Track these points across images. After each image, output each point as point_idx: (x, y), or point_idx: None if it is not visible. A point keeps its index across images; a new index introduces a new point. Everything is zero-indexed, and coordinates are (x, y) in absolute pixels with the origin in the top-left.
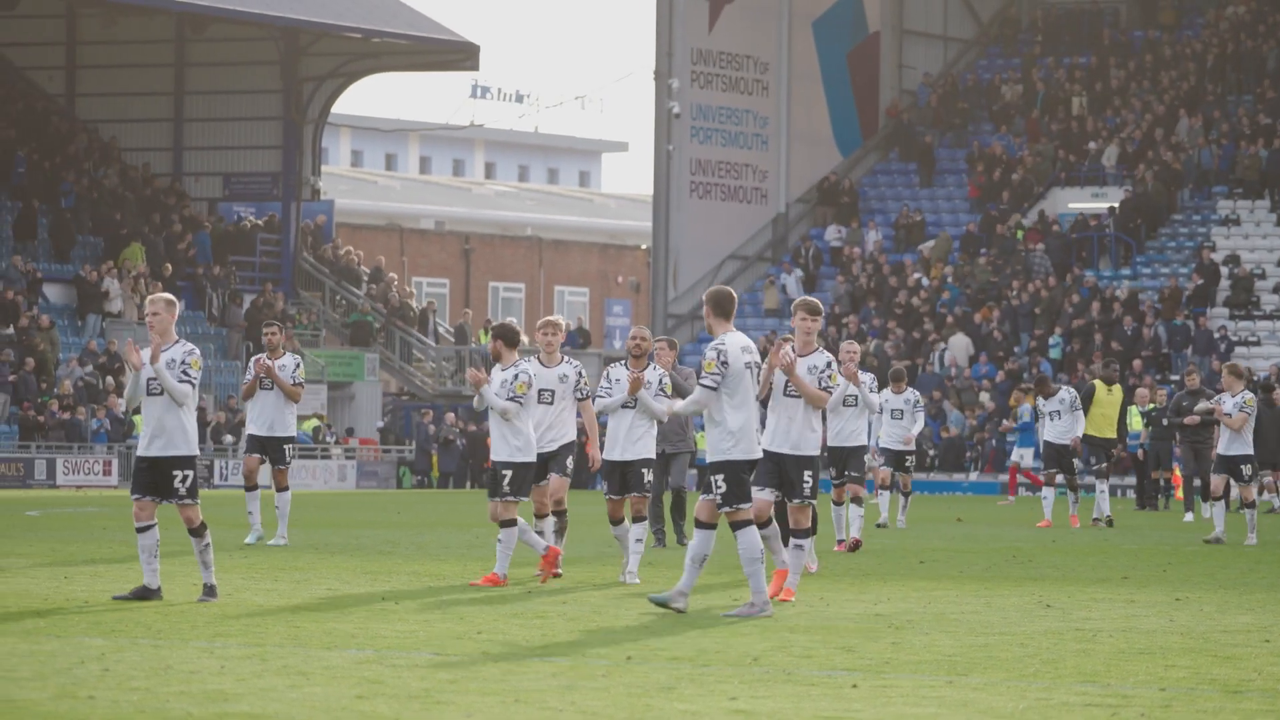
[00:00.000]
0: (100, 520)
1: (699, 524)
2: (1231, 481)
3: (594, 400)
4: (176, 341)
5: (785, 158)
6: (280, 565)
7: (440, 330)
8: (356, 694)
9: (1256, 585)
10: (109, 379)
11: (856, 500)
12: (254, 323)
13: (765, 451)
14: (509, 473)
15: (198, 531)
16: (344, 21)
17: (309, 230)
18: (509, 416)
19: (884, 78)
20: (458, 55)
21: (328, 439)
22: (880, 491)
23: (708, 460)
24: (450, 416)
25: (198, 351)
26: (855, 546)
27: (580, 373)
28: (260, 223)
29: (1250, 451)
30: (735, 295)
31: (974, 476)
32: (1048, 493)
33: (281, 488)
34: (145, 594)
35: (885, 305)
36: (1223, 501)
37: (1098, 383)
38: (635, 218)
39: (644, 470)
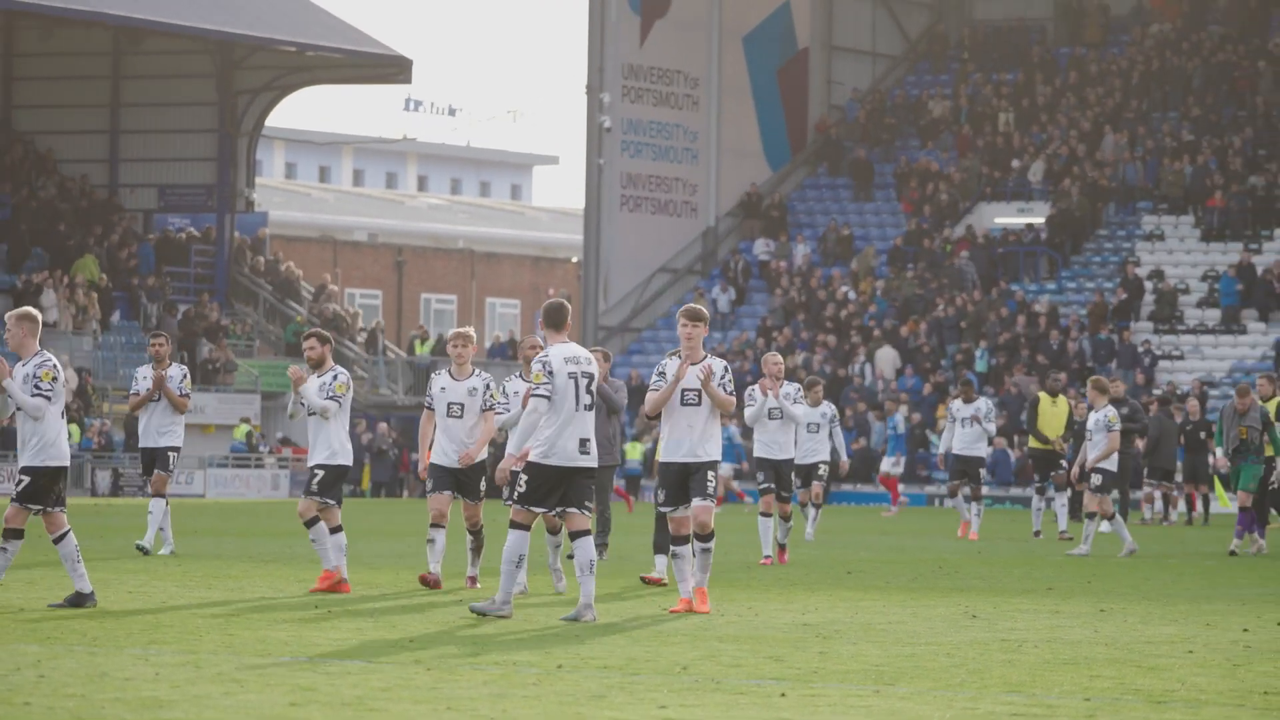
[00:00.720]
0: (33, 528)
1: (514, 525)
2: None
3: (495, 416)
4: (35, 354)
5: (715, 172)
6: (214, 574)
7: (382, 343)
8: (290, 701)
9: (1180, 597)
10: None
11: (784, 517)
12: (188, 333)
13: (664, 463)
14: (320, 473)
15: (60, 539)
16: (278, 35)
17: (248, 244)
18: (326, 416)
19: (813, 93)
20: (391, 69)
21: (261, 448)
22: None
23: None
24: (383, 427)
25: (52, 362)
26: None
27: (489, 385)
28: (198, 234)
29: (1104, 465)
30: (568, 307)
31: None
32: (958, 502)
33: (159, 494)
34: (80, 600)
35: (814, 318)
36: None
37: (1042, 395)
38: (566, 231)
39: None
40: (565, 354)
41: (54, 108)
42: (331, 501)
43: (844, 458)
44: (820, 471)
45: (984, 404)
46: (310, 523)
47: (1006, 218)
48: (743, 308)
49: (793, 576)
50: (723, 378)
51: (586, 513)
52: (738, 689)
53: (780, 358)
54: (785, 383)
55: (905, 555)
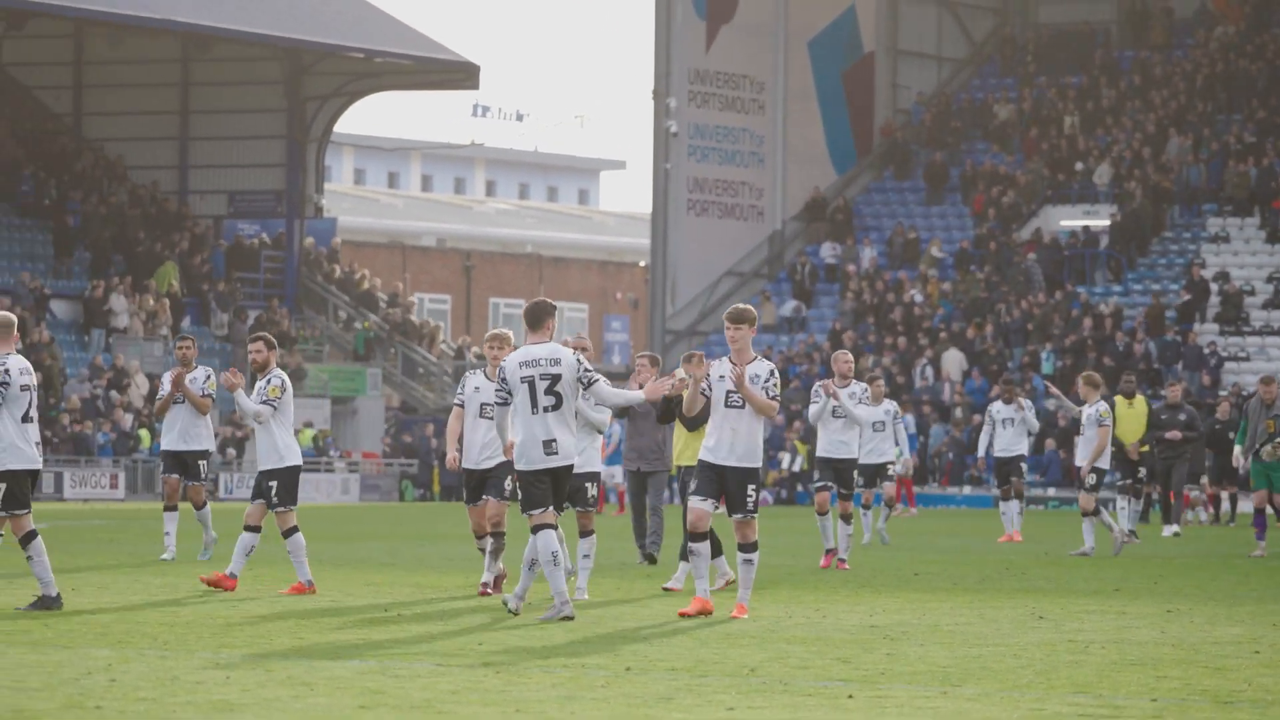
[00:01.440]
0: (106, 533)
1: (535, 529)
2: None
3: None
4: (7, 355)
5: (781, 176)
6: (285, 577)
7: (444, 347)
8: (359, 704)
9: (1246, 598)
10: (114, 393)
11: (845, 518)
12: None
13: (705, 463)
14: (275, 483)
15: (25, 540)
16: (347, 42)
17: (323, 255)
18: (260, 420)
19: (878, 96)
20: (458, 75)
21: (331, 453)
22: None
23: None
24: None
25: (8, 363)
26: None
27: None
28: (269, 240)
29: (1094, 462)
30: (547, 305)
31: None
32: (1006, 506)
33: (199, 505)
34: (47, 604)
35: (882, 321)
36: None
37: (1118, 398)
38: (633, 235)
39: (587, 485)
40: (522, 357)
41: (123, 115)
42: (293, 506)
43: (907, 455)
44: (889, 471)
45: (1025, 403)
46: (288, 533)
47: (1072, 220)
48: (810, 311)
49: (860, 578)
50: (766, 381)
51: (573, 510)
52: (805, 690)
53: (850, 356)
54: (852, 382)
55: (972, 557)
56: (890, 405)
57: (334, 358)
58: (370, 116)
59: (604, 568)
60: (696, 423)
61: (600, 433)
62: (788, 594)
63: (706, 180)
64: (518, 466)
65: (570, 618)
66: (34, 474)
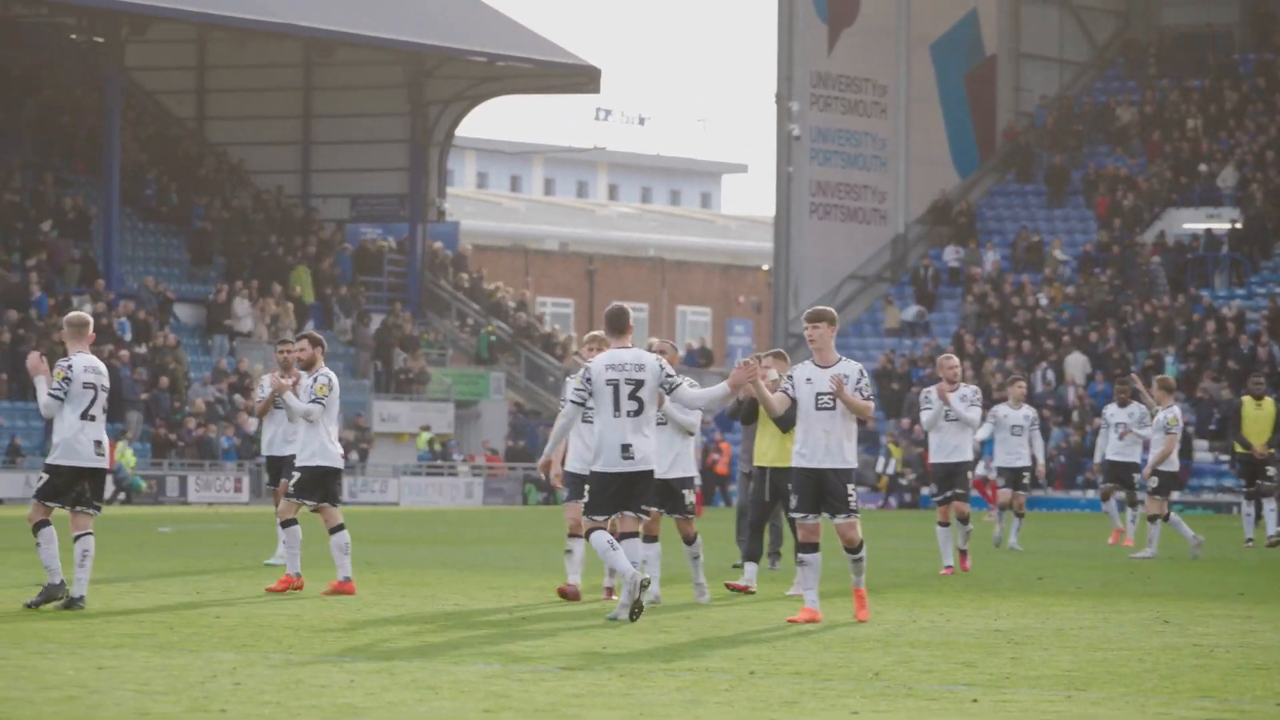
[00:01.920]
0: (231, 536)
1: (587, 534)
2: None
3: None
4: (77, 354)
5: (904, 179)
6: (408, 580)
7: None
8: (484, 708)
9: None
10: (238, 397)
11: (962, 519)
12: (382, 342)
13: (801, 470)
14: (299, 474)
15: (36, 528)
16: (469, 45)
17: (449, 260)
18: (312, 419)
19: (1001, 100)
20: (580, 78)
21: (455, 456)
22: (996, 510)
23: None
24: None
25: (64, 365)
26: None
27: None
28: (394, 244)
29: (1158, 466)
30: (628, 310)
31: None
32: (1110, 507)
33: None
34: (51, 594)
35: (1005, 324)
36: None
37: (1245, 399)
38: (756, 238)
39: (684, 491)
40: (608, 360)
41: (246, 119)
42: (311, 503)
43: (1040, 462)
44: (1025, 479)
45: (1137, 409)
46: (286, 524)
47: (1195, 223)
48: (932, 315)
49: (984, 582)
50: (858, 383)
51: (643, 517)
52: (929, 695)
53: (956, 360)
54: (962, 385)
55: (1096, 560)
56: (1030, 410)
57: (457, 361)
58: (493, 120)
59: (721, 570)
60: (788, 423)
61: (691, 434)
62: (911, 598)
63: (829, 184)
64: (594, 467)
65: (647, 582)
66: (89, 471)
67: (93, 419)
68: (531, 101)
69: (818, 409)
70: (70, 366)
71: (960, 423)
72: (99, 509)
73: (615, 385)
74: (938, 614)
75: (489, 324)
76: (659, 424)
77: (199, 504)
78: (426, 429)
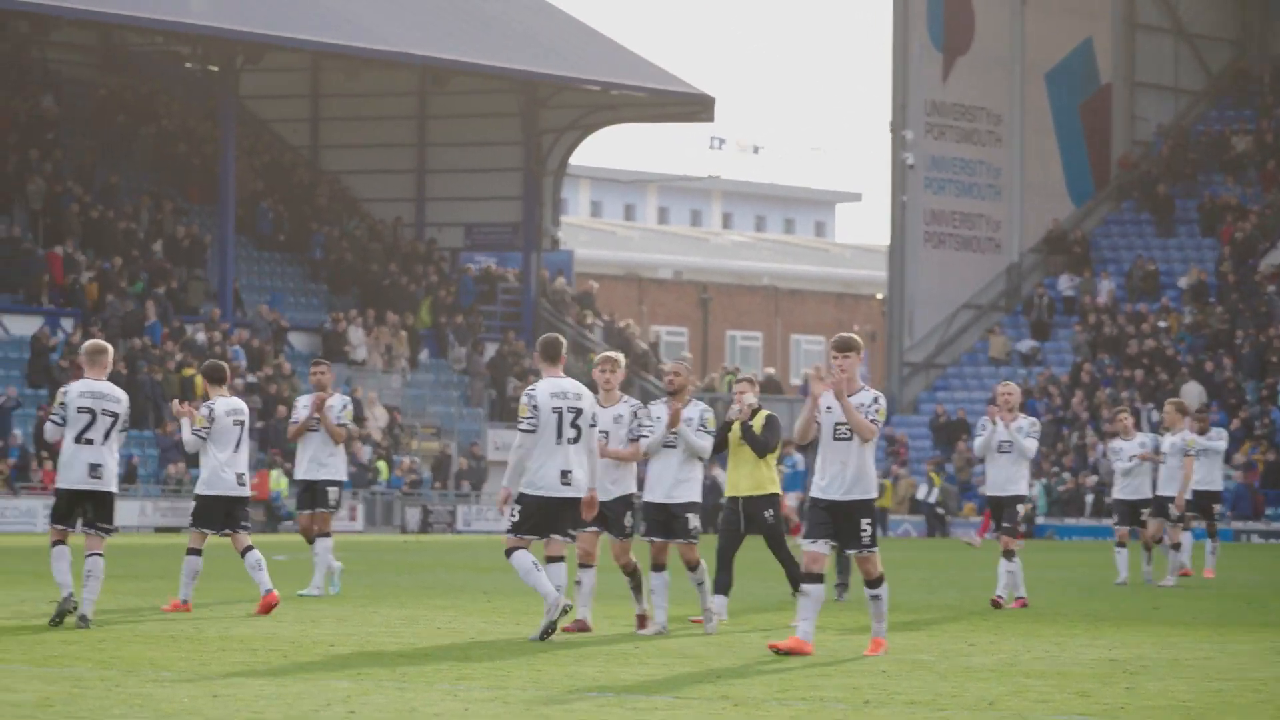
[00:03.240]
0: (346, 565)
1: (509, 552)
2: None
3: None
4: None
5: (1018, 208)
6: (523, 609)
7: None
8: None
9: None
10: (352, 426)
11: (1007, 554)
12: (497, 371)
13: (816, 501)
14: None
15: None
16: (583, 74)
17: (570, 298)
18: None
19: (1116, 128)
20: (694, 107)
21: None
22: (1117, 548)
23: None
24: None
25: (70, 387)
26: (1020, 604)
27: (635, 413)
28: (511, 273)
29: (1184, 491)
30: (562, 341)
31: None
32: (1185, 538)
33: (322, 533)
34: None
35: (1121, 354)
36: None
37: None
38: (870, 267)
39: (689, 516)
40: (552, 388)
41: (360, 147)
42: (209, 532)
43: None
44: (1143, 514)
45: (1216, 433)
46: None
47: None
48: (1047, 344)
49: (1100, 611)
50: (869, 408)
51: (569, 539)
52: None
53: (1014, 387)
54: (1020, 416)
55: (1211, 590)
56: (1144, 437)
57: None
58: (607, 148)
59: (846, 603)
60: (766, 449)
61: (702, 460)
62: (1025, 627)
63: (943, 212)
64: (526, 490)
65: (569, 607)
66: (81, 495)
67: (89, 442)
68: (646, 130)
69: (836, 439)
70: (66, 391)
71: (1015, 454)
72: (108, 532)
73: (559, 413)
74: (1052, 643)
75: (592, 350)
76: (669, 446)
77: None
78: None
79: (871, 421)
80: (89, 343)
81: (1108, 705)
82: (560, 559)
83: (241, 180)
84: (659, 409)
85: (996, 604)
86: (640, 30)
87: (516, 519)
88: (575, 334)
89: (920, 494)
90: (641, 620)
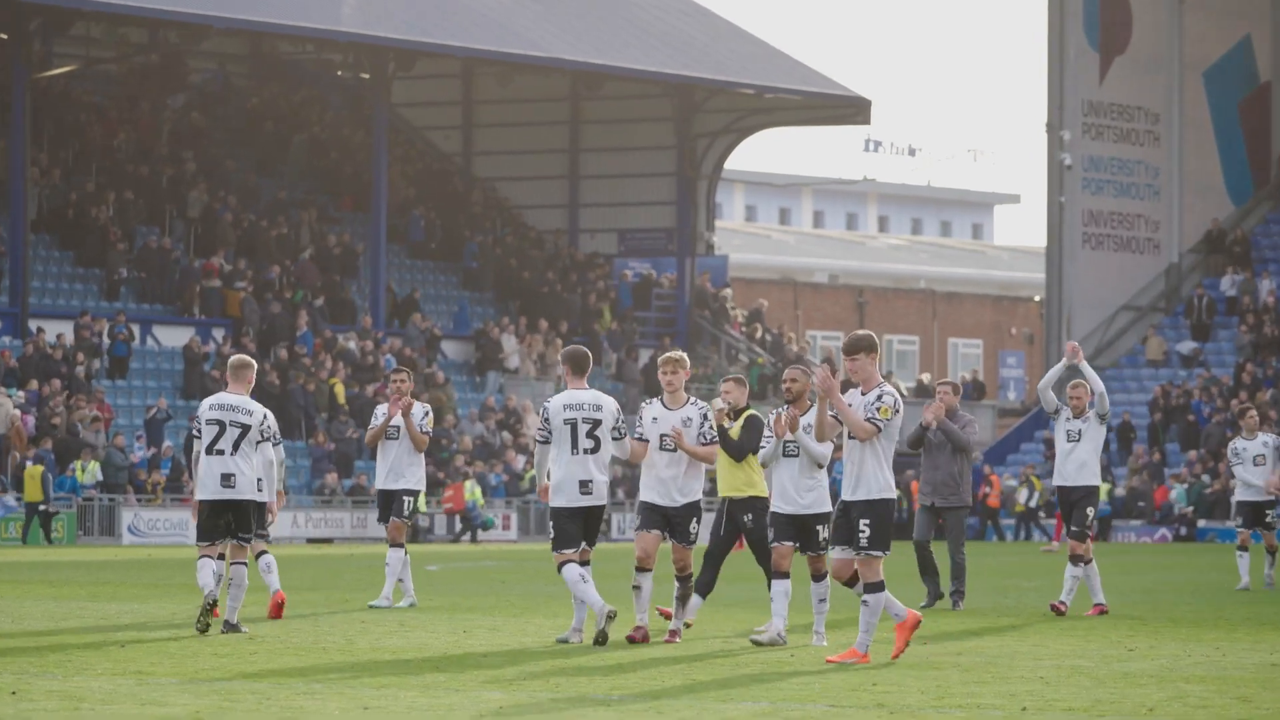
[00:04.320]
0: (499, 574)
1: (561, 567)
2: None
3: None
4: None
5: (1177, 208)
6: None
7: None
8: None
9: None
10: (505, 434)
11: (1074, 559)
12: (651, 378)
13: (841, 504)
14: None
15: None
16: (737, 78)
17: (724, 297)
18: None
19: (1275, 127)
20: (850, 110)
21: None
22: (1239, 552)
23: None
24: None
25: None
26: (1097, 611)
27: (705, 415)
28: (665, 279)
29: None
30: (588, 353)
31: None
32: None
33: (395, 544)
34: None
35: None
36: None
37: None
38: (1028, 269)
39: (819, 527)
40: (566, 400)
41: (512, 154)
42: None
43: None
44: (1269, 516)
45: (1270, 437)
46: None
47: None
48: (1208, 345)
49: (1262, 615)
50: (872, 404)
51: (587, 549)
52: None
53: (1084, 391)
54: (1089, 409)
55: None
56: (1270, 437)
57: None
58: (761, 152)
59: (1005, 607)
60: (741, 452)
61: (821, 467)
62: (1186, 632)
63: (1101, 213)
64: (554, 503)
65: (614, 614)
66: (219, 506)
67: (220, 453)
68: (800, 133)
69: (851, 438)
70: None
71: (1083, 443)
72: (247, 540)
73: (573, 424)
74: (1213, 648)
75: (759, 357)
76: (790, 456)
77: (465, 542)
78: None
79: (869, 420)
80: (234, 357)
81: (1270, 711)
82: (584, 564)
83: (393, 188)
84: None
85: (1058, 610)
86: (795, 33)
87: (554, 535)
88: (743, 346)
89: (1021, 499)
90: (674, 635)
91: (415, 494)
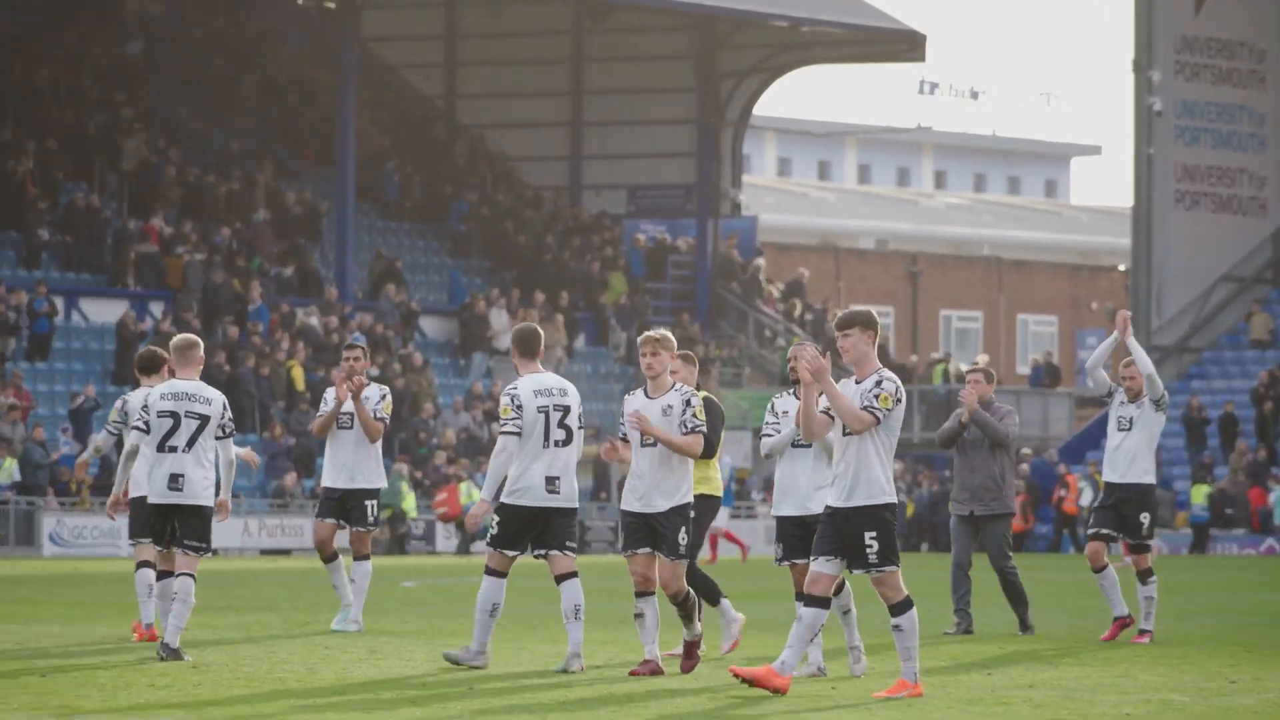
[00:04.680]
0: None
1: (489, 571)
2: None
3: (761, 439)
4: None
5: None
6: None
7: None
8: None
9: None
10: (494, 426)
11: (1142, 575)
12: None
13: (826, 509)
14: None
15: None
16: (769, 8)
17: (760, 282)
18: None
19: None
20: (901, 46)
21: (754, 496)
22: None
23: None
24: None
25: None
26: (1143, 638)
27: (689, 402)
28: (683, 243)
29: None
30: (541, 333)
31: None
32: None
33: (361, 555)
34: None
35: None
36: None
37: None
38: (1111, 233)
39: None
40: (536, 385)
41: (504, 97)
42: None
43: None
44: None
45: None
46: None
47: None
48: None
49: None
50: (869, 392)
51: (569, 554)
52: None
53: (1136, 371)
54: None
55: None
56: None
57: (755, 382)
58: (797, 96)
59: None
60: (712, 446)
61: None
62: None
63: (1197, 167)
64: (508, 499)
65: (478, 666)
66: (163, 510)
67: (171, 450)
68: (843, 74)
69: (845, 434)
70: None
71: (1137, 433)
72: (200, 550)
73: (545, 412)
74: None
75: (794, 337)
76: (799, 445)
77: (446, 552)
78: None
79: (866, 409)
80: (177, 338)
81: None
82: (572, 574)
83: (363, 137)
84: (786, 402)
85: (1128, 628)
86: None
87: (496, 531)
88: (780, 326)
89: (1084, 500)
90: (690, 648)
91: (377, 495)
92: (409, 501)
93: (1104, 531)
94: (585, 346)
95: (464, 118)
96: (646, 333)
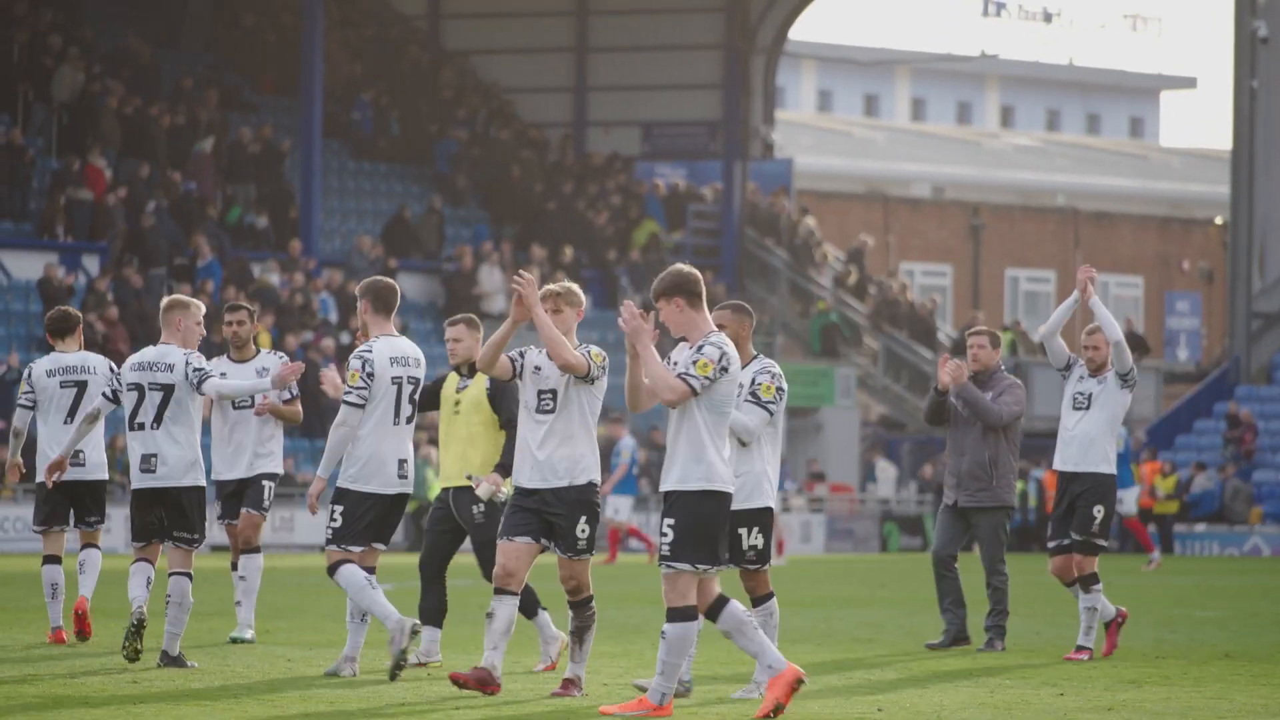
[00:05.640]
0: (474, 595)
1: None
2: None
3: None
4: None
5: None
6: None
7: (940, 336)
8: None
9: None
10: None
11: (1084, 581)
12: None
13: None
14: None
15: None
16: None
17: (811, 250)
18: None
19: None
20: None
21: (787, 485)
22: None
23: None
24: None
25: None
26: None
27: (588, 352)
28: (708, 190)
29: None
30: (397, 288)
31: None
32: None
33: (252, 548)
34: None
35: None
36: None
37: None
38: (1207, 180)
39: (744, 531)
40: (393, 351)
41: (498, 16)
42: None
43: None
44: None
45: None
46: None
47: None
48: None
49: None
50: (687, 362)
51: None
52: None
53: (1101, 340)
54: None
55: None
56: None
57: (789, 352)
58: (839, 19)
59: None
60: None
61: (744, 444)
62: None
63: None
64: (353, 485)
65: (418, 629)
66: (144, 496)
67: (140, 427)
68: None
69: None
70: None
71: (1095, 413)
72: (189, 542)
73: (399, 384)
74: None
75: (821, 300)
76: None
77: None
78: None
79: (681, 376)
80: (166, 298)
81: None
82: (373, 569)
83: (332, 63)
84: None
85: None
86: None
87: (339, 524)
88: (781, 264)
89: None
90: (568, 684)
91: (276, 479)
92: (434, 492)
93: (1065, 543)
94: (592, 310)
95: (450, 42)
96: (548, 286)
